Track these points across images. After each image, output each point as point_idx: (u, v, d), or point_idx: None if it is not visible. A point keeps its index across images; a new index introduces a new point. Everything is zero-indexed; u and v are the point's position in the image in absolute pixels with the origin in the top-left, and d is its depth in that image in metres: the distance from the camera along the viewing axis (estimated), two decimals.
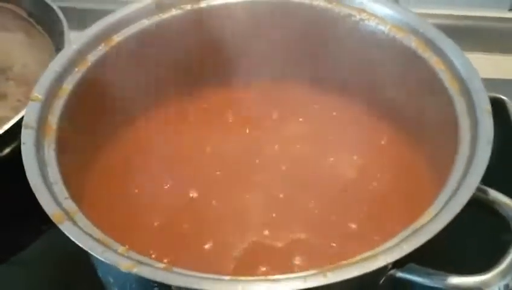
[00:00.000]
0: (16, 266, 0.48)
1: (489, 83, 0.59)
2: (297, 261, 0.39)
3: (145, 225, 0.41)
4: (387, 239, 0.31)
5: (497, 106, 0.58)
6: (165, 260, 0.39)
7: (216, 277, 0.29)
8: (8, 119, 0.47)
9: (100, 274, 0.37)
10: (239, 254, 0.40)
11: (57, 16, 0.58)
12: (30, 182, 0.32)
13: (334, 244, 0.40)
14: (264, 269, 0.39)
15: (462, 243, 0.41)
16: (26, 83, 0.56)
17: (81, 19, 0.64)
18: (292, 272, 0.36)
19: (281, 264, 0.39)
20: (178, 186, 0.43)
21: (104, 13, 0.45)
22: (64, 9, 0.58)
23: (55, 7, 0.59)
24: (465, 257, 0.41)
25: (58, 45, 0.58)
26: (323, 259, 0.38)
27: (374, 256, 0.29)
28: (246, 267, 0.39)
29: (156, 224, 0.42)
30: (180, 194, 0.43)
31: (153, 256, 0.40)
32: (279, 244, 0.40)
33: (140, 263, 0.29)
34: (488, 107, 0.36)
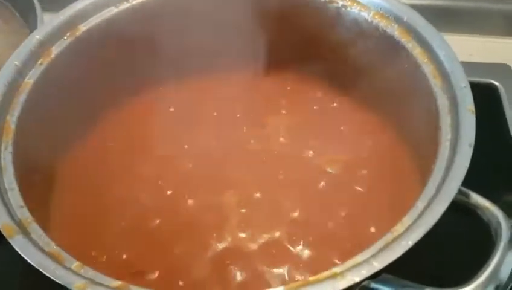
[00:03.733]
0: None
1: (482, 67, 0.58)
2: (271, 265, 0.37)
3: (117, 225, 0.40)
4: (364, 244, 0.30)
5: (489, 91, 0.56)
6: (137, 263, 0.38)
7: None
8: None
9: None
10: (213, 256, 0.38)
11: None
12: None
13: (310, 247, 0.38)
14: (238, 273, 0.37)
15: (441, 248, 0.39)
16: None
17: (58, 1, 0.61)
18: (265, 279, 0.36)
19: (254, 269, 0.37)
20: (151, 184, 0.42)
21: None
22: None
23: None
24: (444, 264, 0.39)
25: (32, 29, 0.56)
26: (297, 263, 0.37)
27: (341, 274, 0.27)
28: (220, 270, 0.38)
29: (126, 224, 0.40)
30: (155, 192, 0.42)
31: (124, 257, 0.38)
32: (254, 246, 0.39)
33: (93, 282, 0.27)
34: (471, 106, 0.33)
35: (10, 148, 0.35)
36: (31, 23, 0.57)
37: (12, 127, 0.36)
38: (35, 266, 0.28)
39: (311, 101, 0.47)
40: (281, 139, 0.45)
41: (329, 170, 0.43)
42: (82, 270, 0.28)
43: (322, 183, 0.42)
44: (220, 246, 0.39)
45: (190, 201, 0.41)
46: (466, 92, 0.34)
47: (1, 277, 0.44)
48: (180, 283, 0.37)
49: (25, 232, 0.30)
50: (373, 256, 0.28)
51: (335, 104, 0.46)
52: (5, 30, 0.59)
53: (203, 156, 0.44)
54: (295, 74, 0.47)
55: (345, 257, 0.29)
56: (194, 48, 0.46)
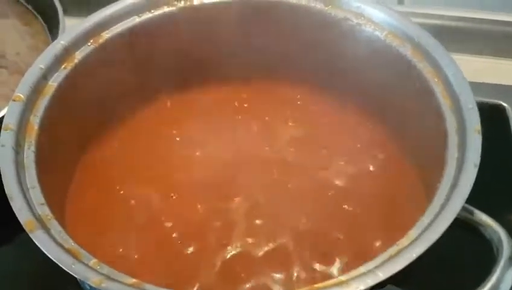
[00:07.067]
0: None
1: (491, 88, 0.59)
2: (277, 272, 0.38)
3: (128, 226, 0.41)
4: (368, 256, 0.31)
5: (497, 112, 0.57)
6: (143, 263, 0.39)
7: None
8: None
9: (78, 280, 0.36)
10: (221, 261, 0.40)
11: (53, 2, 0.57)
12: (6, 189, 0.32)
13: (315, 256, 0.39)
14: (245, 279, 0.38)
15: (446, 263, 0.40)
16: (18, 71, 0.56)
17: (79, 5, 0.63)
18: (270, 287, 0.37)
19: (260, 275, 0.38)
20: (163, 188, 0.43)
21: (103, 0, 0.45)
22: None
23: None
24: (447, 278, 0.40)
25: (53, 33, 0.58)
26: (303, 271, 0.38)
27: (346, 282, 0.28)
28: (227, 275, 0.39)
29: (139, 225, 0.41)
30: (166, 196, 0.43)
31: (136, 257, 0.40)
32: (261, 253, 0.40)
33: (109, 278, 0.29)
34: (478, 127, 0.34)
35: (33, 148, 0.36)
36: (51, 27, 0.58)
37: (36, 127, 0.37)
38: (54, 260, 0.29)
39: (321, 114, 0.48)
40: (291, 149, 0.46)
41: (336, 182, 0.44)
42: (98, 267, 0.30)
43: (329, 195, 0.43)
44: (228, 251, 0.40)
45: (199, 207, 0.42)
46: (473, 113, 0.36)
47: (9, 276, 0.46)
48: (188, 286, 0.38)
49: (45, 228, 0.31)
50: (377, 267, 0.29)
51: (344, 118, 0.47)
52: (25, 32, 0.60)
53: (214, 163, 0.45)
54: (306, 87, 0.48)
55: (349, 267, 0.30)
56: (209, 58, 0.48)
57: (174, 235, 0.41)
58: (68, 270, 0.29)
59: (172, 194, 0.43)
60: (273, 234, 0.41)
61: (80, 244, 0.32)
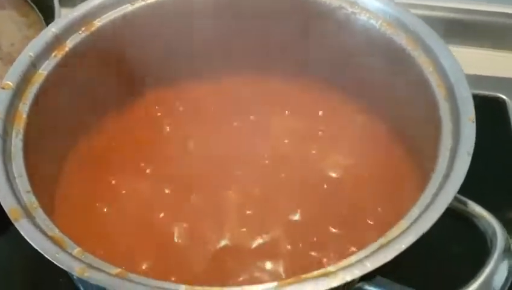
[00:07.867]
0: None
1: (490, 80, 0.58)
2: (268, 264, 0.38)
3: (119, 216, 0.41)
4: (361, 247, 0.30)
5: (497, 105, 0.56)
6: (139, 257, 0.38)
7: (170, 286, 0.28)
8: None
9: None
10: (212, 252, 0.39)
11: None
12: None
13: (308, 247, 0.39)
14: (236, 270, 0.38)
15: (439, 254, 0.40)
16: (13, 62, 0.56)
17: None
18: (261, 277, 0.37)
19: (252, 266, 0.38)
20: (155, 180, 0.43)
21: None
22: None
23: None
24: (440, 270, 0.40)
25: (49, 23, 0.58)
26: (295, 263, 0.38)
27: (334, 272, 0.28)
28: (218, 266, 0.39)
29: (130, 215, 0.41)
30: (158, 188, 0.42)
31: (126, 247, 0.39)
32: (253, 244, 0.40)
33: (93, 267, 0.28)
34: (472, 116, 0.34)
35: (21, 136, 0.35)
36: (48, 18, 0.58)
37: (24, 116, 0.37)
38: (37, 249, 0.29)
39: (316, 105, 0.47)
40: (285, 141, 0.45)
41: (331, 173, 0.43)
42: (83, 256, 0.29)
43: (323, 186, 0.42)
44: (220, 242, 0.40)
45: (192, 198, 0.42)
46: (467, 102, 0.35)
47: (2, 267, 0.46)
48: (176, 277, 0.38)
49: (30, 217, 0.31)
50: (366, 257, 0.29)
51: (338, 107, 0.46)
52: (22, 23, 0.60)
53: (207, 155, 0.44)
54: (302, 78, 0.47)
55: (342, 258, 0.30)
56: (204, 48, 0.47)
57: (165, 225, 0.41)
58: (52, 260, 0.28)
59: (164, 186, 0.43)
60: (266, 225, 0.40)
61: (69, 234, 0.31)
